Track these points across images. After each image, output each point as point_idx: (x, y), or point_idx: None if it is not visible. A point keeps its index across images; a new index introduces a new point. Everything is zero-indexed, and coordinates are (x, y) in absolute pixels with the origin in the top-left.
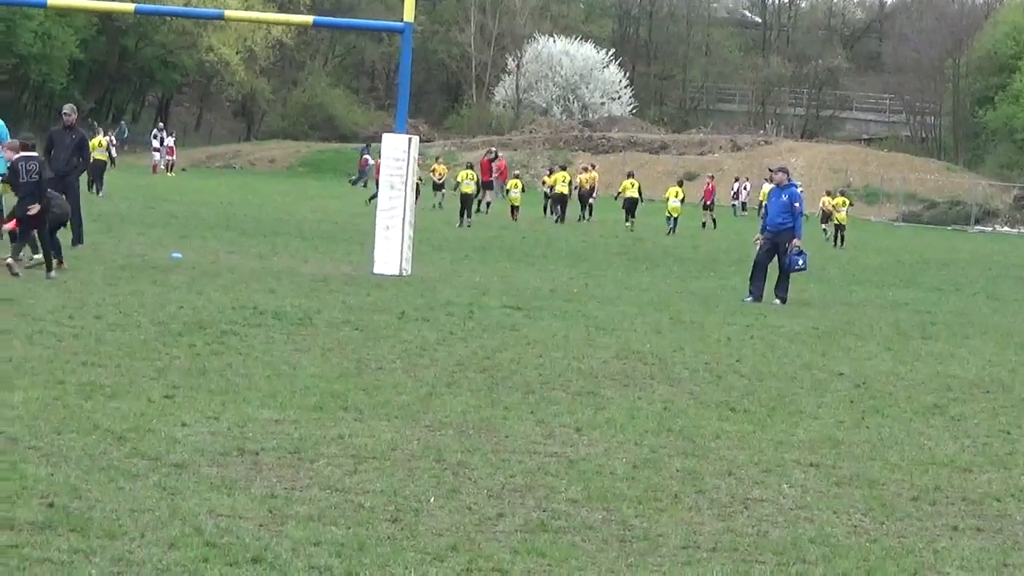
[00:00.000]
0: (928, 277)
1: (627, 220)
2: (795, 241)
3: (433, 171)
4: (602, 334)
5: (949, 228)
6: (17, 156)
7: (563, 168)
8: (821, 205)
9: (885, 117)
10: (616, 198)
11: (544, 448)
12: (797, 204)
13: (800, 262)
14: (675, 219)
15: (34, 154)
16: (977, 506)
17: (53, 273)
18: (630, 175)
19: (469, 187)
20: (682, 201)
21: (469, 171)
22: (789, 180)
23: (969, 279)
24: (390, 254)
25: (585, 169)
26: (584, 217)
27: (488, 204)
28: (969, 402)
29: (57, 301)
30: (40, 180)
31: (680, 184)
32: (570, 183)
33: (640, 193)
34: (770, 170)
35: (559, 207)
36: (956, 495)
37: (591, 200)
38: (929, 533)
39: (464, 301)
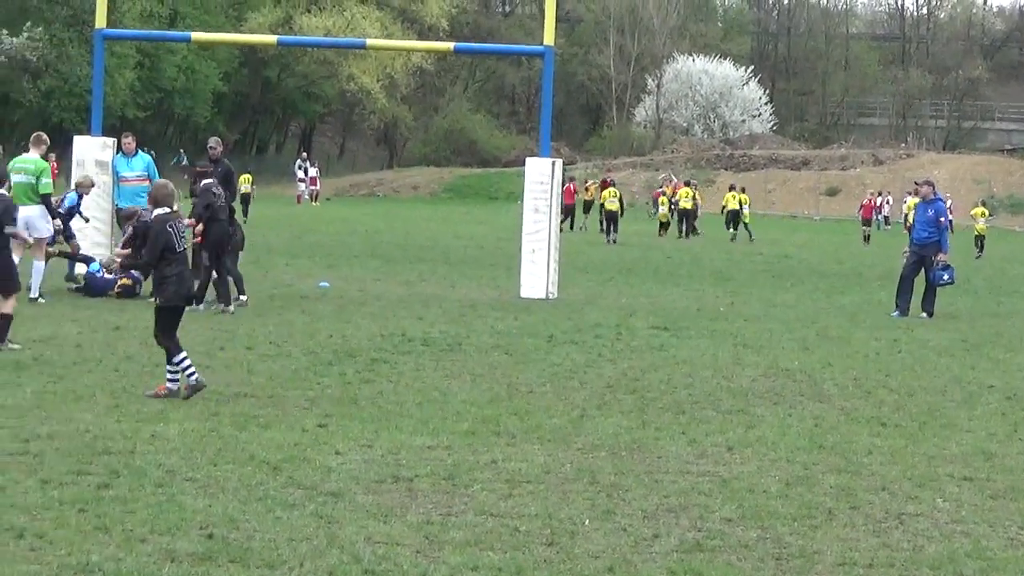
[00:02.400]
0: None
1: (728, 230)
2: (941, 256)
3: (586, 191)
4: (750, 352)
5: None
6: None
7: (687, 184)
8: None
9: None
10: (722, 212)
11: (696, 468)
12: (943, 218)
13: (946, 276)
14: (743, 225)
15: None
16: None
17: (231, 307)
18: (731, 188)
19: (613, 204)
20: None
21: (613, 189)
22: (935, 194)
23: None
24: (536, 277)
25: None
26: (683, 233)
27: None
28: None
29: (208, 333)
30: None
31: (743, 191)
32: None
33: (741, 205)
34: (916, 184)
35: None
36: None
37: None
38: None
39: (611, 323)
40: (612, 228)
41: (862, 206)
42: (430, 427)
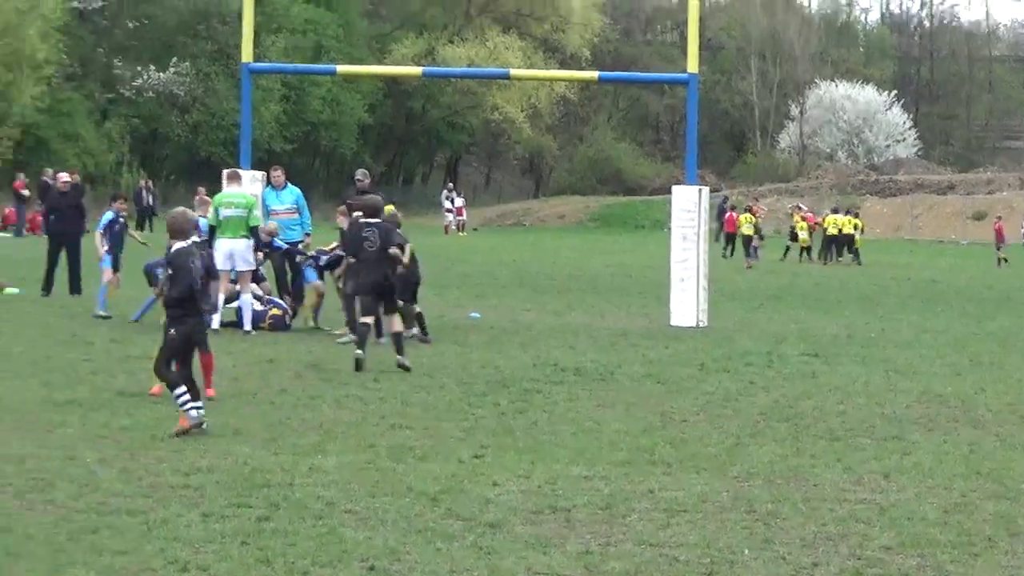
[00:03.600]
0: None
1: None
2: None
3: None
4: (902, 378)
5: None
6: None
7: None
8: None
9: None
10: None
11: (854, 495)
12: None
13: None
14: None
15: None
16: None
17: (382, 339)
18: (835, 211)
19: (749, 229)
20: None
21: (748, 215)
22: None
23: None
24: (686, 306)
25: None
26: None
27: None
28: None
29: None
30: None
31: (856, 215)
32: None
33: (857, 229)
34: None
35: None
36: None
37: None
38: None
39: (762, 350)
40: (749, 252)
41: (995, 229)
42: (586, 457)
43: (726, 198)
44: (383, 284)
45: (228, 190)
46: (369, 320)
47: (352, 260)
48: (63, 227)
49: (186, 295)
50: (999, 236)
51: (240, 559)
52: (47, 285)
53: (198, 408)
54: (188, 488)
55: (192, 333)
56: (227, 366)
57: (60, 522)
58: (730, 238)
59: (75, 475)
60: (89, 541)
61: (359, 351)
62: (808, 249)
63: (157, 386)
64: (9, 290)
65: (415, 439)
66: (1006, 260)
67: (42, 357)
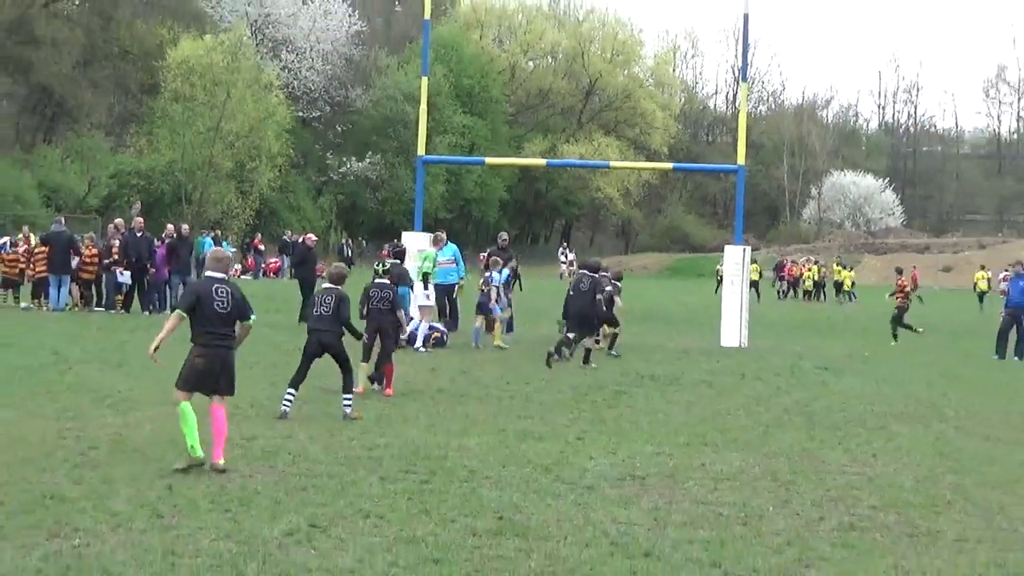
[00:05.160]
0: None
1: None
2: None
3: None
4: (888, 386)
5: None
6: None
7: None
8: None
9: None
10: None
11: (850, 469)
12: None
13: None
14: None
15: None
16: None
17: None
18: (840, 263)
19: (755, 275)
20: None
21: (756, 264)
22: None
23: None
24: (732, 331)
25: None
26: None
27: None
28: None
29: (497, 372)
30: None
31: (851, 269)
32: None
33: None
34: (1009, 266)
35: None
36: None
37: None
38: None
39: (787, 364)
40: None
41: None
42: (656, 440)
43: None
44: (585, 314)
45: (430, 250)
46: (571, 335)
47: (572, 295)
48: (306, 274)
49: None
50: (914, 282)
51: (407, 510)
52: (301, 316)
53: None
54: (371, 459)
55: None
56: (403, 372)
57: (279, 482)
58: (791, 284)
59: (291, 448)
60: (299, 496)
61: (556, 354)
62: (810, 293)
63: (360, 386)
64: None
65: (534, 426)
66: (920, 299)
67: (270, 364)
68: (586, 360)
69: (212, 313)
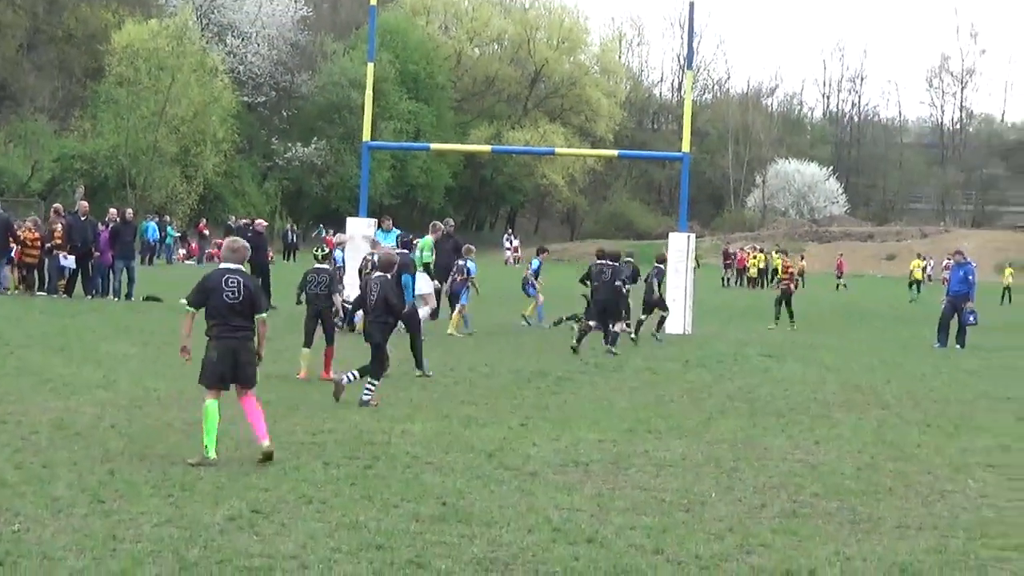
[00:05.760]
0: None
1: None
2: (969, 303)
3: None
4: (830, 373)
5: None
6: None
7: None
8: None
9: None
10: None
11: (792, 456)
12: (971, 277)
13: (972, 318)
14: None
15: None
16: None
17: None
18: (778, 250)
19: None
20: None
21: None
22: (965, 259)
23: None
24: (676, 318)
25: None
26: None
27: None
28: None
29: (441, 359)
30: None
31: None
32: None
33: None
34: (949, 255)
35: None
36: None
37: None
38: None
39: (731, 352)
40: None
41: (837, 264)
42: (600, 426)
43: (729, 245)
44: (609, 302)
45: (427, 238)
46: (592, 324)
47: (596, 285)
48: (257, 258)
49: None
50: (839, 268)
51: (350, 495)
52: None
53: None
54: (314, 444)
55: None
56: (347, 358)
57: (221, 468)
58: (739, 272)
59: (235, 434)
60: (242, 481)
61: (576, 343)
62: (754, 280)
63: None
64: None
65: (478, 412)
66: (845, 286)
67: None
68: (613, 343)
69: (222, 304)
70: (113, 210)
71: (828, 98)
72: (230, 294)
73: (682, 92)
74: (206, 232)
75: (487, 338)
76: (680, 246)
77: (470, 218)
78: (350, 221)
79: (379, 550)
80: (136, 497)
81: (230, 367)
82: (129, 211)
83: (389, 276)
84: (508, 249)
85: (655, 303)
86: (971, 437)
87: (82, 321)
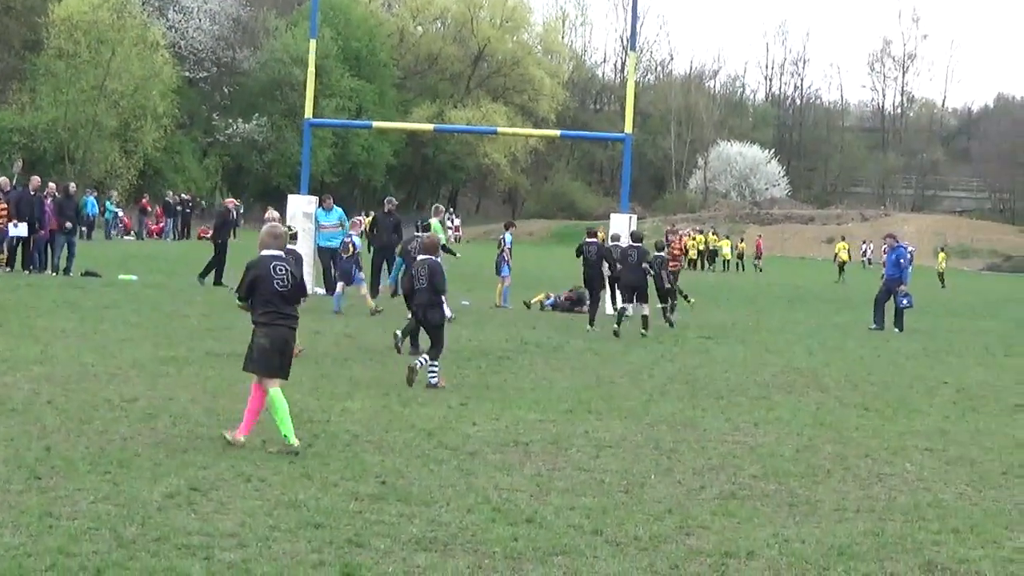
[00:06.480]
0: (1008, 311)
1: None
2: (902, 287)
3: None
4: (771, 355)
5: (1022, 275)
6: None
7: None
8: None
9: (973, 194)
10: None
11: (731, 438)
12: (903, 260)
13: (905, 301)
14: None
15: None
16: None
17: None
18: (714, 233)
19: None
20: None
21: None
22: (898, 243)
23: None
24: (617, 299)
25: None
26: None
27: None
28: None
29: (381, 338)
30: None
31: (726, 237)
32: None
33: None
34: (883, 238)
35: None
36: None
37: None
38: (1016, 498)
39: (671, 332)
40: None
41: (756, 245)
42: (540, 406)
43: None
44: (639, 284)
45: (434, 221)
46: (628, 306)
47: (620, 266)
48: (224, 236)
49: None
50: (759, 250)
51: (289, 473)
52: (203, 274)
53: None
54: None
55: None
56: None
57: (159, 444)
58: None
59: (173, 410)
60: (180, 458)
61: (617, 326)
62: (694, 262)
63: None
64: (124, 277)
65: (418, 391)
66: (761, 269)
67: (152, 326)
68: (645, 326)
69: (273, 291)
70: (51, 184)
71: (770, 81)
72: (280, 281)
73: (625, 73)
74: (149, 208)
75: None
76: (621, 226)
77: (411, 196)
78: (291, 199)
79: (318, 528)
80: (73, 473)
81: (279, 355)
82: (72, 185)
83: (435, 258)
84: (450, 228)
85: (667, 292)
86: (909, 420)
87: (19, 296)
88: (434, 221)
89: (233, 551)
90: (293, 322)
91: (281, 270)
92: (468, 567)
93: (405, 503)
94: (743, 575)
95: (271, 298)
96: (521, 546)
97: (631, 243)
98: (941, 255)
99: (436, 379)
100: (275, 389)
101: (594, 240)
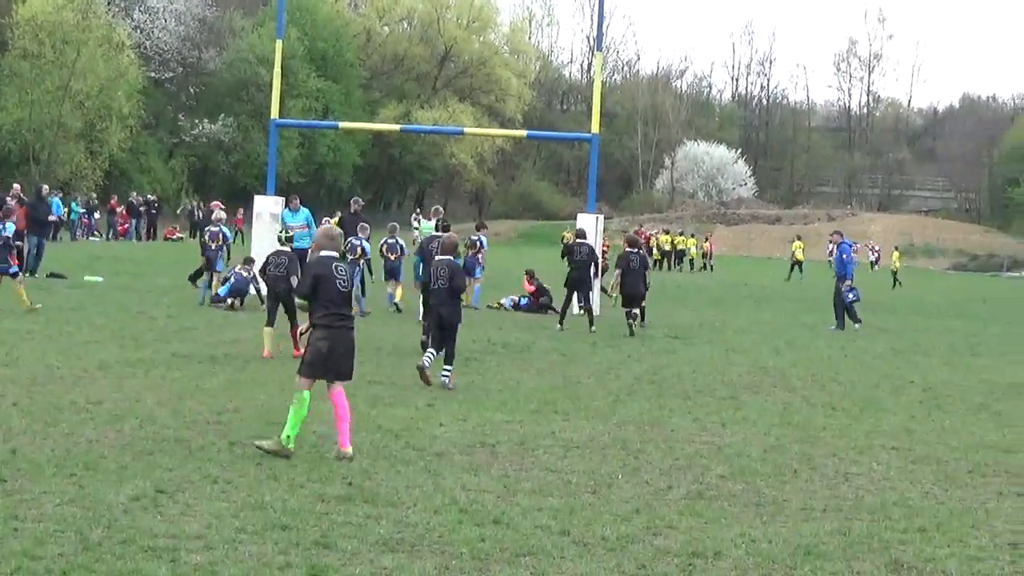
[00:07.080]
0: (973, 310)
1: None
2: (847, 281)
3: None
4: (738, 355)
5: (987, 274)
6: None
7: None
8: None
9: (939, 194)
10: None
11: (699, 438)
12: (844, 256)
13: (851, 295)
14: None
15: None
16: (1017, 477)
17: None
18: (680, 233)
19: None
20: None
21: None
22: (842, 239)
23: (1003, 311)
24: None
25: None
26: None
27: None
28: (1008, 401)
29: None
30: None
31: (692, 236)
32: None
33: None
34: (830, 235)
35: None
36: (1000, 469)
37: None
38: (981, 497)
39: (639, 333)
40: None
41: (707, 246)
42: (507, 407)
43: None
44: (639, 289)
45: (427, 223)
46: (636, 311)
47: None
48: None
49: None
50: (709, 250)
51: (255, 476)
52: (193, 276)
53: None
54: (220, 424)
55: None
56: (252, 336)
57: (125, 447)
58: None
59: (139, 412)
60: (146, 461)
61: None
62: (659, 262)
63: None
64: (90, 278)
65: (385, 392)
66: (711, 268)
67: (118, 327)
68: (642, 321)
69: (335, 292)
70: (16, 185)
71: (737, 81)
72: (342, 282)
73: (591, 73)
74: (118, 209)
75: (393, 318)
76: (588, 226)
77: (378, 197)
78: (257, 199)
79: (284, 530)
80: (38, 476)
81: (339, 357)
82: (45, 187)
83: (453, 258)
84: (416, 229)
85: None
86: (875, 420)
87: None
88: (430, 223)
89: (199, 553)
90: (350, 322)
91: (343, 271)
92: (435, 568)
93: (372, 504)
94: (710, 575)
95: (334, 298)
96: (488, 547)
97: (631, 249)
98: (895, 254)
99: (448, 380)
100: (307, 392)
101: (585, 242)
